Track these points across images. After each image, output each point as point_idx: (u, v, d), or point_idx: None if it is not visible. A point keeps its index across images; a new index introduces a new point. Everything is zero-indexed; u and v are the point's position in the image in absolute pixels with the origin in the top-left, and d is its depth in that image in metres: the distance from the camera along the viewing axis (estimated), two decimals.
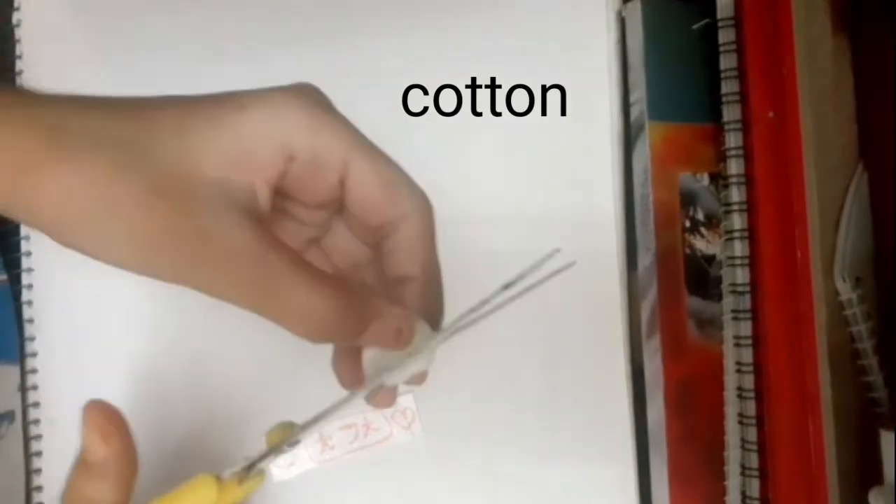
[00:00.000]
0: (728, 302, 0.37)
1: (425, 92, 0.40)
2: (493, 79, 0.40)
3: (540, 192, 0.39)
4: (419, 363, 0.27)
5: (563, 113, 0.39)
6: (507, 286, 0.27)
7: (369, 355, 0.27)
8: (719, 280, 0.38)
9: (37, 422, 0.41)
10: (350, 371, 0.28)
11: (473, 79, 0.40)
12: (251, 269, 0.23)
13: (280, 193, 0.25)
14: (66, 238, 0.22)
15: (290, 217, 0.27)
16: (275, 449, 0.26)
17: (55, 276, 0.41)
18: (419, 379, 0.29)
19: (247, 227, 0.23)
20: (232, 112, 0.24)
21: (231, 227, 0.23)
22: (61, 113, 0.23)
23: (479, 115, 0.40)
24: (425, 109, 0.40)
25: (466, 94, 0.40)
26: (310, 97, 0.25)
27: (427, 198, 0.28)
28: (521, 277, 0.27)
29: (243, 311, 0.29)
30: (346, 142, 0.25)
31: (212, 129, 0.23)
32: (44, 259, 0.41)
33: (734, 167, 0.37)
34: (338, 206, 0.27)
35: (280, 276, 0.23)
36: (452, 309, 0.37)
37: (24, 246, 0.41)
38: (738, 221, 0.37)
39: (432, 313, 0.28)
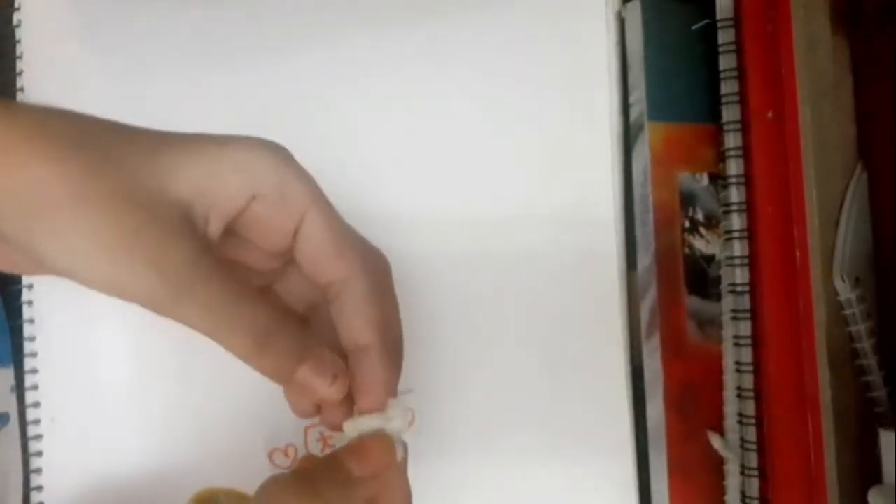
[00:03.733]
0: (727, 302, 0.38)
1: (425, 95, 0.40)
2: (492, 79, 0.40)
3: (540, 193, 0.39)
4: (395, 424, 0.28)
5: (563, 113, 0.39)
6: None
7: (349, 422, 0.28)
8: (718, 280, 0.38)
9: (37, 422, 0.41)
10: (300, 401, 0.29)
11: (473, 79, 0.40)
12: (202, 282, 0.24)
13: (233, 234, 0.26)
14: (25, 231, 0.23)
15: (241, 263, 0.28)
16: None
17: (55, 276, 0.41)
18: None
19: (199, 246, 0.24)
20: (211, 145, 0.25)
21: (185, 242, 0.24)
22: (43, 115, 0.24)
23: (479, 115, 0.40)
24: (425, 110, 0.40)
25: (466, 94, 0.40)
26: (282, 149, 0.26)
27: (384, 258, 0.28)
28: None
29: None
30: (308, 193, 0.26)
31: (187, 157, 0.24)
32: None
33: (733, 167, 0.37)
34: (289, 257, 0.28)
35: (229, 290, 0.24)
36: (451, 309, 0.37)
37: None
38: (737, 221, 0.37)
39: (394, 381, 0.28)
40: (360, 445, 0.27)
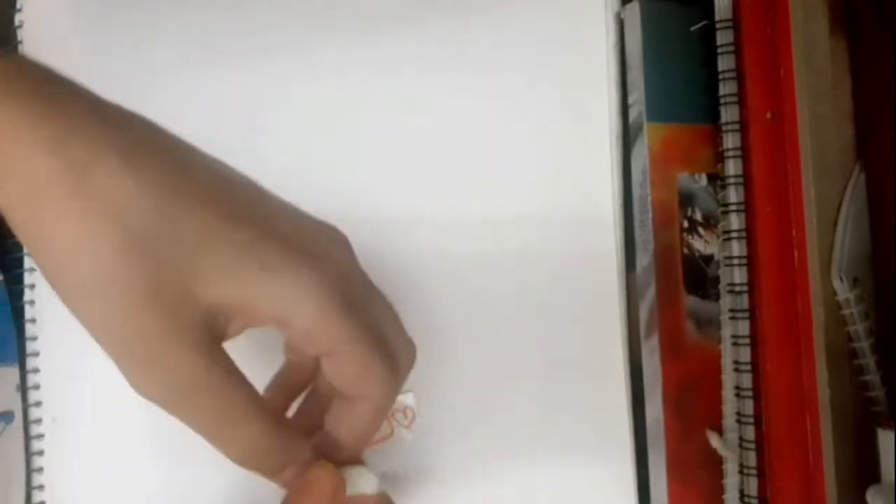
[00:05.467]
0: (726, 301, 0.38)
1: (425, 95, 0.40)
2: (492, 80, 0.40)
3: (539, 193, 0.39)
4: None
5: (562, 114, 0.40)
6: None
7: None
8: (717, 280, 0.38)
9: (39, 421, 0.41)
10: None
11: (472, 80, 0.40)
12: (205, 398, 0.24)
13: None
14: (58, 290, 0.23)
15: None
16: None
17: None
18: None
19: (210, 361, 0.24)
20: (255, 268, 0.24)
21: (198, 357, 0.23)
22: (99, 169, 0.22)
23: (478, 116, 0.40)
24: (424, 111, 0.40)
25: (465, 95, 0.40)
26: (329, 283, 0.25)
27: (389, 387, 0.28)
28: None
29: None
30: (341, 336, 0.25)
31: (241, 265, 0.24)
32: None
33: (732, 168, 0.37)
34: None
35: (229, 408, 0.25)
36: (450, 309, 0.37)
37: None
38: (735, 222, 0.37)
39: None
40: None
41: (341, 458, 0.28)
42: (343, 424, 0.28)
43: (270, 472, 0.27)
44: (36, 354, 0.41)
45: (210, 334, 0.24)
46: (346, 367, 0.26)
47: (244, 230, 0.24)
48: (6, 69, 0.23)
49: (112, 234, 0.22)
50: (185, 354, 0.23)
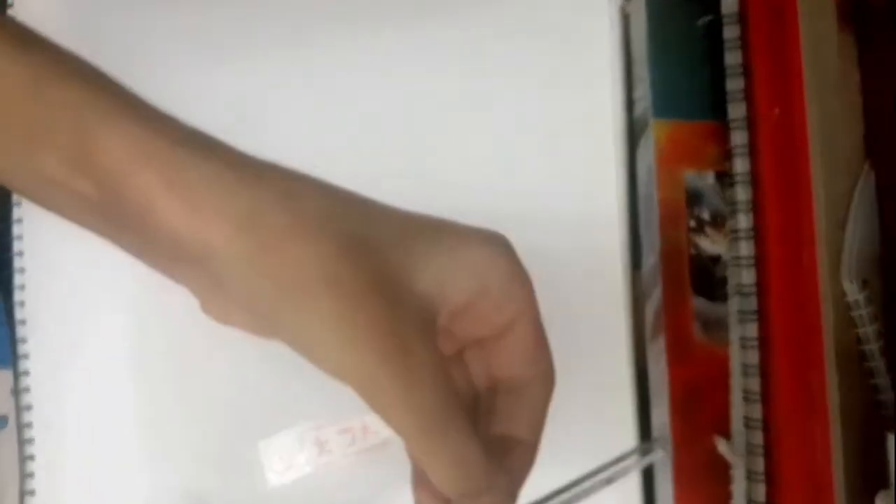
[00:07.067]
0: (734, 303, 0.37)
1: (425, 91, 0.40)
2: (496, 76, 0.39)
3: (543, 191, 0.39)
4: None
5: (567, 111, 0.39)
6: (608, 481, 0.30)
7: None
8: (725, 280, 0.38)
9: (30, 425, 0.40)
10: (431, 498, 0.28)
11: (476, 76, 0.40)
12: (431, 396, 0.23)
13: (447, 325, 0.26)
14: (272, 304, 0.23)
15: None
16: None
17: (48, 276, 0.41)
18: None
19: (435, 352, 0.24)
20: (452, 237, 0.25)
21: (425, 346, 0.23)
22: (290, 183, 0.24)
23: (481, 112, 0.40)
24: (425, 108, 0.40)
25: (468, 91, 0.40)
26: (509, 246, 0.27)
27: (554, 371, 0.28)
28: (621, 474, 0.30)
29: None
30: (527, 297, 0.26)
31: (433, 247, 0.25)
32: (36, 259, 0.41)
33: (740, 165, 0.37)
34: (467, 345, 0.28)
35: (454, 414, 0.24)
36: None
37: (16, 246, 0.41)
38: (743, 221, 0.36)
39: (523, 480, 0.28)
40: None
41: (516, 461, 0.27)
42: (519, 416, 0.27)
43: (471, 497, 0.25)
44: (26, 357, 0.41)
45: (430, 325, 0.24)
46: (528, 334, 0.27)
47: (427, 217, 0.26)
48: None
49: (327, 244, 0.23)
50: (414, 339, 0.23)
